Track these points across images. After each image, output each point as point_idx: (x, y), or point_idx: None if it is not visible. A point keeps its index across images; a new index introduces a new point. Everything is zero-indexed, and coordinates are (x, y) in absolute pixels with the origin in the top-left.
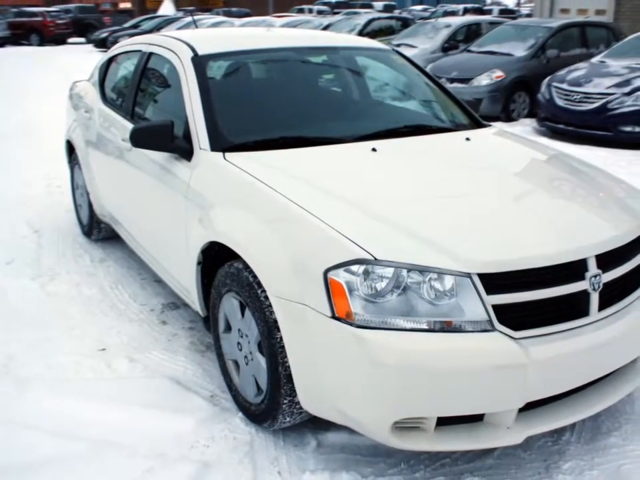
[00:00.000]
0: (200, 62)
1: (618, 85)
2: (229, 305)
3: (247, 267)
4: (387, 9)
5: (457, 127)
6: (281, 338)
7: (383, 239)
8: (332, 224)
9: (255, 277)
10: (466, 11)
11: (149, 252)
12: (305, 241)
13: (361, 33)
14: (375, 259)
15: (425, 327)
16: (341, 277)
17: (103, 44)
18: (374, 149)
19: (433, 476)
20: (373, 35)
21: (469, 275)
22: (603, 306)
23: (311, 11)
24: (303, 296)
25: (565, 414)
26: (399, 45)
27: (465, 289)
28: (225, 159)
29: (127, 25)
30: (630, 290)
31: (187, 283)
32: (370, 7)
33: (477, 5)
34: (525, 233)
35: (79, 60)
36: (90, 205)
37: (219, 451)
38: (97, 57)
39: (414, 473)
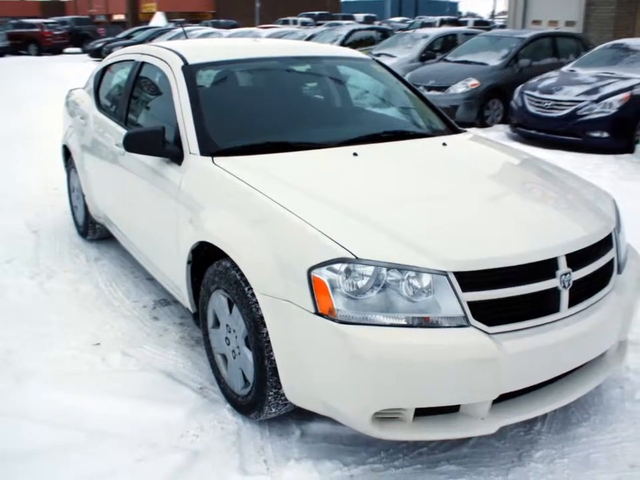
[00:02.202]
0: (190, 71)
1: (587, 93)
2: (218, 301)
3: (234, 265)
4: (368, 20)
5: (433, 133)
6: (267, 333)
7: (364, 239)
8: (315, 224)
9: (242, 275)
10: (442, 23)
11: (141, 251)
12: (290, 240)
13: (342, 44)
14: (356, 258)
15: (403, 322)
16: (323, 275)
17: (97, 54)
18: (355, 154)
19: (411, 464)
20: (354, 45)
21: (445, 273)
22: (572, 303)
23: (295, 22)
24: (288, 293)
25: (537, 405)
26: (378, 55)
27: (441, 287)
28: (213, 162)
29: (120, 35)
30: (598, 288)
31: (177, 281)
32: (351, 18)
33: (452, 17)
34: (498, 233)
35: (75, 69)
36: (85, 207)
37: (207, 441)
38: (91, 66)
39: (393, 461)
